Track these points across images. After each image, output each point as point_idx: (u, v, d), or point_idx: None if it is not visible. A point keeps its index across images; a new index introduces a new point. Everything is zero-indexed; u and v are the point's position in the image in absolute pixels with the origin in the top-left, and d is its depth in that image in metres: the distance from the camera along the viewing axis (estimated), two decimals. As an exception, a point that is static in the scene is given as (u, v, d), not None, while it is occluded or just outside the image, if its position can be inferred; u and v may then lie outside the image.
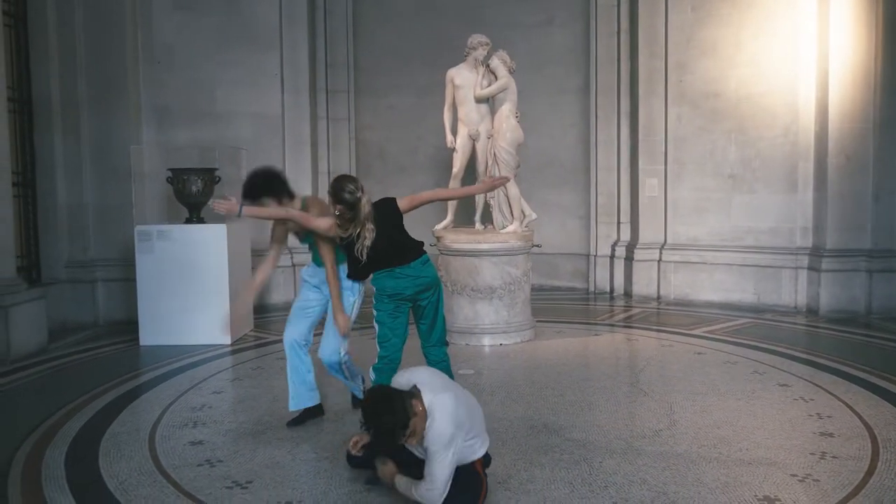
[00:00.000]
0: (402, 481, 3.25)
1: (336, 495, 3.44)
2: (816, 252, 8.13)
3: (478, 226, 7.40)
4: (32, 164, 7.80)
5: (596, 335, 7.24)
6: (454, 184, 7.30)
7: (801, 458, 3.83)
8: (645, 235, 9.42)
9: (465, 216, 7.76)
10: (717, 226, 8.97)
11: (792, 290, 8.35)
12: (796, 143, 8.30)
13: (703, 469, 3.70)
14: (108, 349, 6.82)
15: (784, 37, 8.29)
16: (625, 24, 9.55)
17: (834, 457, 3.85)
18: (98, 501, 3.45)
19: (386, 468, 3.33)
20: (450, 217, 7.38)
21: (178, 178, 7.14)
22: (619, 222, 9.87)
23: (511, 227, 6.96)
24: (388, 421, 3.04)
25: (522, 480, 3.59)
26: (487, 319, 6.76)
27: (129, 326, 7.30)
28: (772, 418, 4.51)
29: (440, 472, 3.11)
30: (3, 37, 6.79)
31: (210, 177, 7.25)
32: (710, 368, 5.77)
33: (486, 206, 7.29)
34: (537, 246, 7.13)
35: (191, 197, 7.16)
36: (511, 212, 7.03)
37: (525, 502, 3.36)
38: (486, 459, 3.41)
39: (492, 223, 7.22)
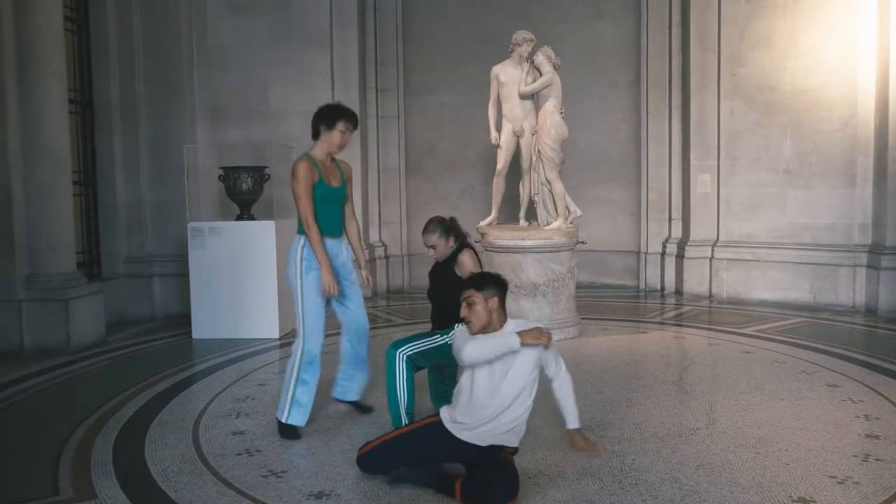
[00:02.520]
0: (574, 418, 3.44)
1: (367, 486, 3.50)
2: (876, 249, 7.86)
3: (522, 222, 7.39)
4: (93, 163, 8.13)
5: (643, 333, 7.16)
6: (498, 180, 7.31)
7: (843, 460, 3.73)
8: (697, 232, 9.26)
9: (509, 212, 7.76)
10: (771, 222, 8.76)
11: (850, 288, 8.09)
12: (855, 137, 8.04)
13: (738, 469, 3.64)
14: (162, 342, 7.06)
15: (842, 27, 8.04)
16: (676, 17, 9.40)
17: (878, 459, 3.73)
18: (141, 487, 3.59)
19: None
20: (494, 213, 7.39)
21: (229, 175, 7.34)
22: (670, 219, 9.73)
23: (555, 224, 6.93)
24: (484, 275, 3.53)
25: (552, 475, 3.59)
26: (531, 316, 6.70)
27: (183, 320, 7.52)
28: (816, 419, 4.40)
29: (558, 358, 3.47)
30: (66, 42, 7.08)
31: (260, 175, 7.43)
32: (756, 367, 5.66)
33: (531, 202, 7.27)
34: (582, 243, 7.08)
35: (241, 194, 7.35)
36: (556, 208, 7.00)
37: (553, 497, 3.36)
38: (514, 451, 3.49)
39: (536, 220, 7.20)
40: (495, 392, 3.33)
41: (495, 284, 3.44)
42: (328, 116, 4.21)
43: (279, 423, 4.22)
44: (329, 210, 4.22)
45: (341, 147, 4.27)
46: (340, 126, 4.21)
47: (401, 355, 4.11)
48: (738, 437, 4.09)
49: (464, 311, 3.41)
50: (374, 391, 4.76)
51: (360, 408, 4.61)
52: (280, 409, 4.22)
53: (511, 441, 3.42)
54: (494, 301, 3.40)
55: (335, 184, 4.26)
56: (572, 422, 3.43)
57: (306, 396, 4.20)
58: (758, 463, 3.72)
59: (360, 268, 4.57)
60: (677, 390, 5.12)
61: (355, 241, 4.54)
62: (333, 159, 4.35)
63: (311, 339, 4.18)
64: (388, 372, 4.12)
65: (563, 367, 3.46)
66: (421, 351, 4.19)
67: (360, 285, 4.48)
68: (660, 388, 5.17)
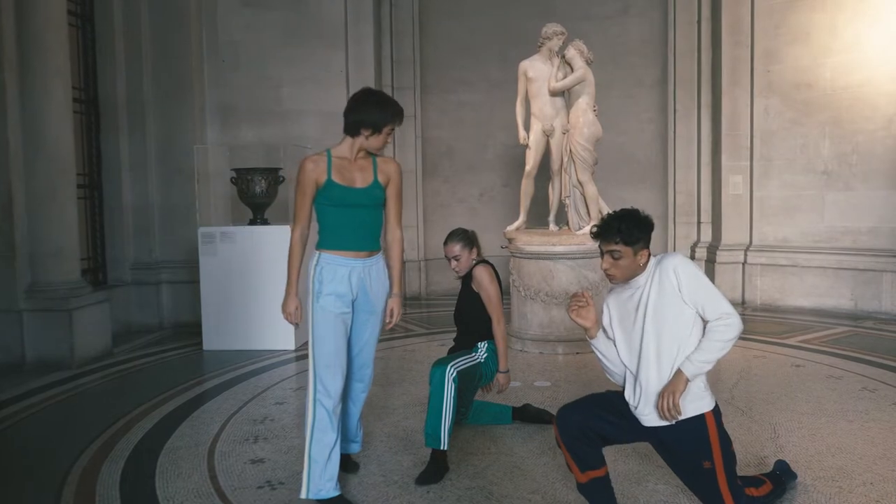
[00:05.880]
0: (689, 367, 2.78)
1: (405, 527, 3.12)
2: (923, 255, 7.46)
3: (552, 227, 7.00)
4: (99, 165, 7.76)
5: (679, 344, 6.74)
6: (527, 182, 6.92)
7: (938, 496, 3.32)
8: (728, 236, 8.84)
9: (538, 217, 7.36)
10: (808, 226, 8.35)
11: (894, 295, 7.67)
12: (900, 136, 7.63)
13: (822, 506, 3.24)
14: (171, 353, 6.68)
15: (886, 21, 7.64)
16: (706, 12, 9.02)
17: (977, 495, 3.33)
18: (152, 526, 3.21)
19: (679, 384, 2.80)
20: (522, 217, 6.98)
21: (241, 178, 6.97)
22: (699, 222, 9.33)
23: (588, 229, 6.53)
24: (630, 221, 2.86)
25: (615, 515, 3.18)
26: (563, 326, 6.35)
27: (193, 329, 7.15)
28: (894, 445, 3.98)
29: (712, 295, 2.79)
30: (70, 37, 6.71)
31: (274, 177, 7.05)
32: (812, 383, 5.24)
33: (561, 205, 6.88)
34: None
35: (254, 197, 6.98)
36: (588, 212, 6.61)
37: (619, 542, 2.96)
38: (716, 413, 2.90)
39: (567, 224, 6.81)
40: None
41: (646, 230, 2.87)
42: (376, 116, 3.29)
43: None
44: (348, 217, 3.32)
45: (381, 150, 3.44)
46: (388, 129, 3.34)
47: (450, 373, 3.80)
48: (814, 468, 3.68)
49: (605, 265, 2.89)
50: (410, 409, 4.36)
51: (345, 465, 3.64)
52: (302, 483, 3.26)
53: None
54: (645, 253, 2.88)
55: (360, 184, 3.35)
56: None
57: (334, 459, 3.29)
58: (843, 500, 3.31)
59: (391, 297, 3.53)
60: (732, 410, 4.69)
61: (393, 261, 3.56)
62: (370, 154, 3.43)
63: (323, 390, 3.24)
64: (436, 391, 3.78)
65: None
66: (462, 369, 3.90)
67: (382, 321, 3.54)
68: (712, 408, 4.75)
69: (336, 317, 3.28)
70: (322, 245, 3.36)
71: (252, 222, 7.04)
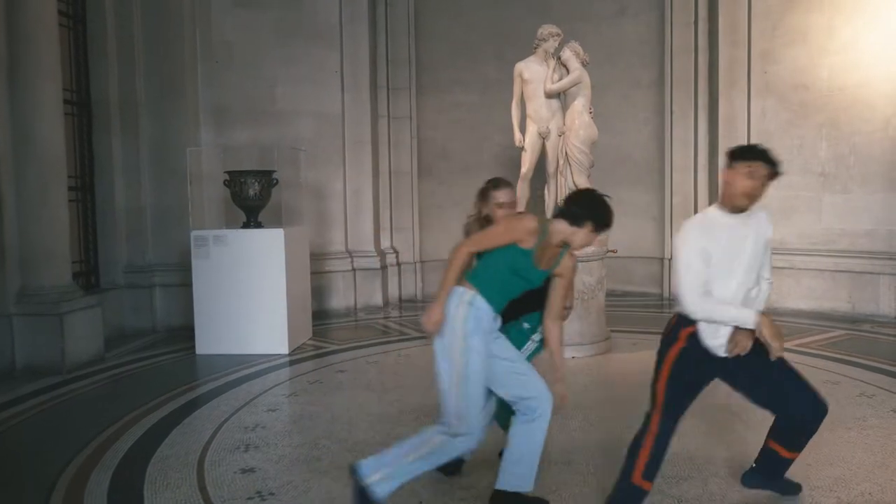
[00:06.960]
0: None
1: (397, 539, 3.07)
2: (921, 257, 7.42)
3: (548, 229, 6.94)
4: (91, 167, 7.69)
5: (676, 347, 6.70)
6: (522, 185, 6.86)
7: (937, 507, 3.28)
8: (725, 238, 8.79)
9: (533, 219, 7.30)
10: (806, 228, 8.31)
11: (892, 298, 7.64)
12: (898, 138, 7.60)
13: (820, 518, 3.20)
14: (163, 358, 6.62)
15: (884, 22, 7.60)
16: (703, 12, 9.00)
17: (976, 506, 3.29)
18: (139, 539, 3.16)
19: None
20: (518, 220, 6.93)
21: (234, 180, 6.91)
22: (695, 223, 9.27)
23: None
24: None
25: (609, 527, 3.14)
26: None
27: (186, 333, 7.10)
28: (893, 454, 3.94)
29: (770, 259, 3.23)
30: (61, 38, 6.65)
31: (268, 179, 6.99)
32: (809, 389, 5.20)
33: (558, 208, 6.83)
34: (612, 251, 6.64)
35: (248, 200, 6.92)
36: (584, 214, 6.55)
37: (614, 555, 2.91)
38: None
39: (563, 227, 6.75)
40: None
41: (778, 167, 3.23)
42: (605, 219, 3.35)
43: (359, 486, 3.21)
44: (512, 286, 3.33)
45: (578, 248, 3.44)
46: (599, 232, 3.39)
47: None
48: (812, 477, 3.64)
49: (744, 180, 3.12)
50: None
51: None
52: (380, 471, 3.23)
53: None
54: (768, 185, 3.22)
55: (542, 267, 3.35)
56: None
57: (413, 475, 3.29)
58: (841, 511, 3.27)
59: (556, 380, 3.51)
60: (728, 415, 4.66)
61: (554, 343, 3.56)
62: (564, 244, 3.39)
63: (456, 427, 3.17)
64: None
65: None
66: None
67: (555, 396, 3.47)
68: (707, 413, 4.69)
69: (485, 356, 3.22)
70: (481, 288, 3.24)
71: (245, 225, 6.98)
